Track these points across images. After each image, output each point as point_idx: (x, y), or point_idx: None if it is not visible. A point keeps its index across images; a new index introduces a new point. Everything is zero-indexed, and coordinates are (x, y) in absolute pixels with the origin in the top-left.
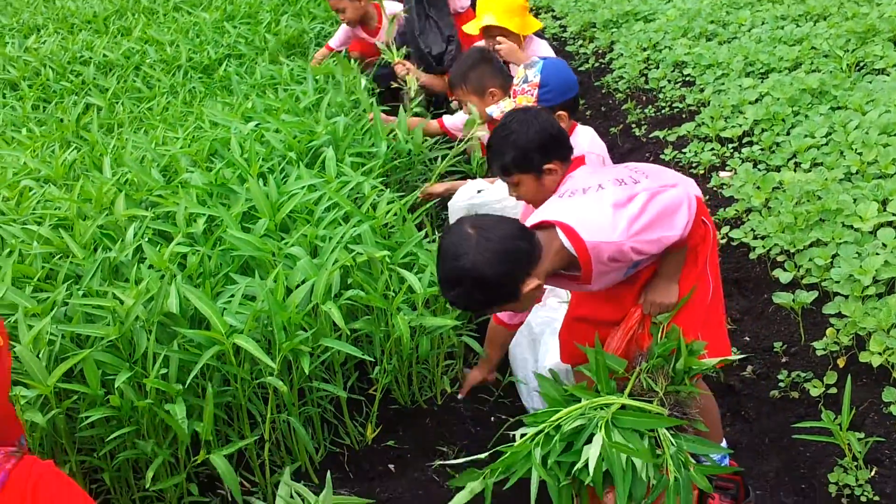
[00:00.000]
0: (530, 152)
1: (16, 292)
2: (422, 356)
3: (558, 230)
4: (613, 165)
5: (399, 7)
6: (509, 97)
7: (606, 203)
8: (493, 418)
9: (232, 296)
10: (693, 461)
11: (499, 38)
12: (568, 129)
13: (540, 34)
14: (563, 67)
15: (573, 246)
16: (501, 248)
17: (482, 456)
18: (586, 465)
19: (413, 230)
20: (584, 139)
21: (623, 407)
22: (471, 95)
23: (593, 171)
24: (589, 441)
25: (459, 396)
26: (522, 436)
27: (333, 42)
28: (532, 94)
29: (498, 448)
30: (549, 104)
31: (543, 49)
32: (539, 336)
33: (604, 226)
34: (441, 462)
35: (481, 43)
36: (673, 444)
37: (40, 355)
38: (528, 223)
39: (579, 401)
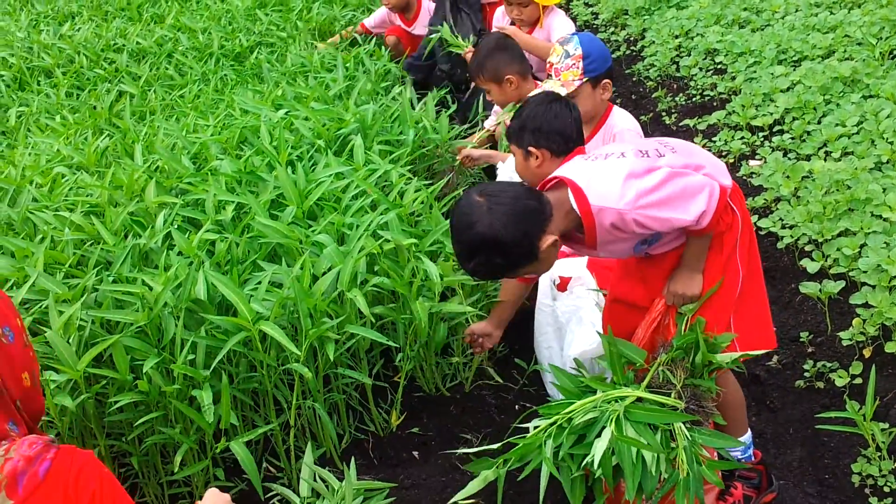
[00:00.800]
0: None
1: (47, 278)
2: (438, 343)
3: (568, 190)
4: (644, 138)
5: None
6: (551, 77)
7: (622, 171)
8: (517, 406)
9: (259, 283)
10: (707, 455)
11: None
12: (609, 98)
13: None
14: (596, 38)
15: (578, 206)
16: (512, 209)
17: (496, 446)
18: None
19: (440, 218)
20: (621, 119)
21: (639, 400)
22: (489, 83)
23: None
24: (600, 434)
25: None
26: (536, 427)
27: (369, 22)
28: (578, 67)
29: (510, 439)
30: (594, 74)
31: (561, 21)
32: (565, 325)
33: (612, 192)
34: (463, 450)
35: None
36: (687, 438)
37: (70, 340)
38: (545, 179)
39: (595, 393)
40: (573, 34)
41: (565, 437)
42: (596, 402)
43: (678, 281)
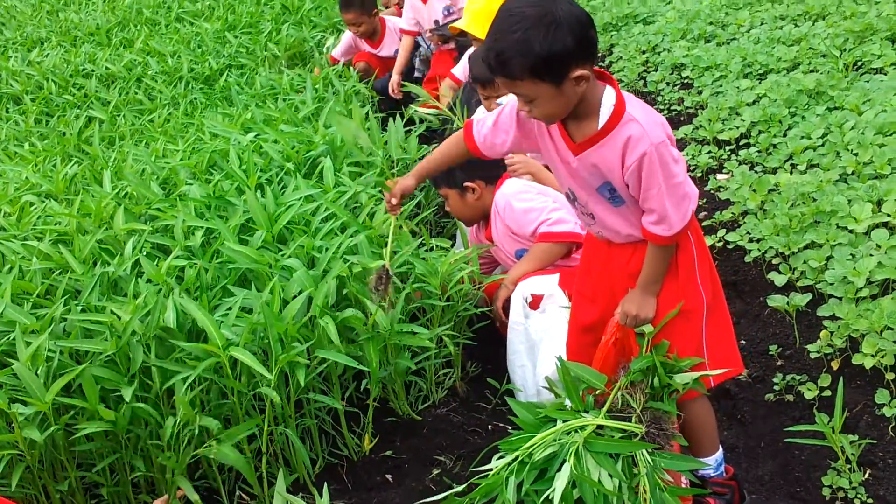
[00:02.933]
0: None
1: (15, 309)
2: (401, 372)
3: (609, 87)
4: None
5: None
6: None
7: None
8: (490, 426)
9: (229, 308)
10: (671, 479)
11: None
12: (489, 197)
13: None
14: None
15: (616, 100)
16: (580, 16)
17: (460, 489)
18: None
19: (409, 239)
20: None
21: (600, 427)
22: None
23: None
24: (561, 468)
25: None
26: (497, 465)
27: (337, 52)
28: None
29: (472, 480)
30: None
31: None
32: (537, 343)
33: (650, 121)
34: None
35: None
36: (649, 464)
37: (38, 372)
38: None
39: (556, 422)
40: None
41: (526, 473)
42: (556, 434)
43: (631, 301)
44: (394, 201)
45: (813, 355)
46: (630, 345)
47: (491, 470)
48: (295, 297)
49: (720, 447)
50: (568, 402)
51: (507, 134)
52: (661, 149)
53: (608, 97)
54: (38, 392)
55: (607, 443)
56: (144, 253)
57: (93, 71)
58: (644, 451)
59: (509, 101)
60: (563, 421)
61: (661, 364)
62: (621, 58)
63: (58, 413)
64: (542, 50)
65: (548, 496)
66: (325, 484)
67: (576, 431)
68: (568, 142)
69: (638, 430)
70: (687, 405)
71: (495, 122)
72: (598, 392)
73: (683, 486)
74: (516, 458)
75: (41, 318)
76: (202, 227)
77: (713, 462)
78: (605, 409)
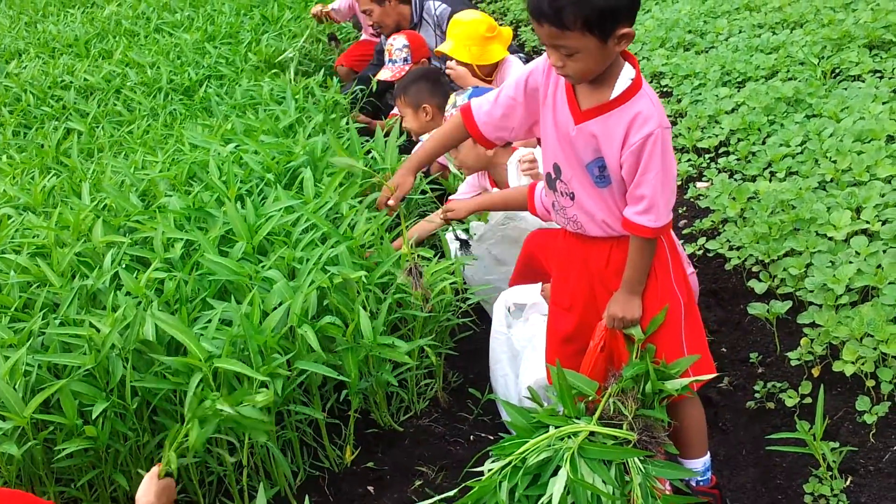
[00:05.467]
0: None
1: None
2: (382, 384)
3: (629, 64)
4: None
5: None
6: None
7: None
8: (472, 437)
9: (209, 321)
10: (661, 487)
11: (449, 64)
12: (505, 153)
13: (514, 49)
14: None
15: (635, 76)
16: None
17: (451, 493)
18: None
19: (390, 249)
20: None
21: (592, 434)
22: (406, 108)
23: None
24: (555, 473)
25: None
26: (490, 469)
27: (337, 4)
28: None
29: (466, 483)
30: None
31: (517, 69)
32: (520, 352)
33: (659, 110)
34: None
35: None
36: (641, 472)
37: (17, 386)
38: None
39: (548, 428)
40: (473, 88)
41: (520, 478)
42: (549, 439)
43: (616, 303)
44: (391, 203)
45: (794, 363)
46: (619, 349)
47: (482, 475)
48: (275, 308)
49: (708, 451)
50: (560, 408)
51: (514, 109)
52: (667, 134)
53: (627, 71)
54: (17, 407)
55: (602, 449)
56: (123, 265)
57: (71, 82)
58: (636, 459)
59: (504, 84)
60: (556, 427)
61: (653, 370)
62: None
63: (36, 428)
64: (601, 1)
65: (542, 501)
66: (307, 496)
67: (569, 437)
68: (573, 108)
69: (630, 438)
70: (679, 407)
71: (496, 99)
72: (589, 399)
73: (667, 492)
74: (509, 462)
75: (19, 332)
76: (182, 239)
77: (701, 466)
78: (596, 415)
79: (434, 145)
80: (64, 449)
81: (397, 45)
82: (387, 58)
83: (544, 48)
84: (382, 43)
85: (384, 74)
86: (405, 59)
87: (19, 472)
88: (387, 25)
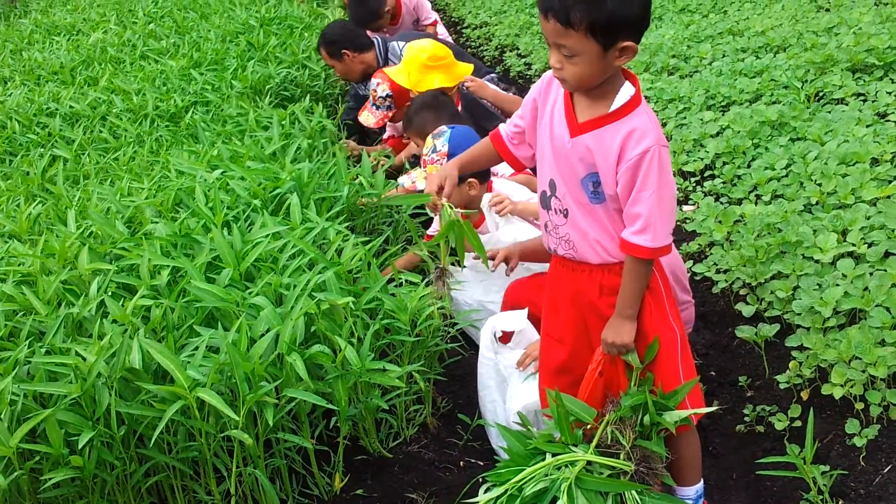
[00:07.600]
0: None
1: None
2: (371, 410)
3: (629, 83)
4: None
5: None
6: (419, 167)
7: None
8: (462, 462)
9: (196, 348)
10: None
11: (466, 77)
12: (480, 194)
13: (488, 71)
14: (471, 135)
15: (635, 91)
16: None
17: None
18: None
19: (378, 275)
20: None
21: (589, 463)
22: (416, 137)
23: None
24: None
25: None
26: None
27: None
28: (441, 164)
29: None
30: None
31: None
32: (507, 378)
33: (658, 129)
34: None
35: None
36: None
37: (2, 416)
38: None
39: (544, 455)
40: (450, 128)
41: None
42: (546, 468)
43: (609, 328)
44: (447, 190)
45: (782, 386)
46: (617, 375)
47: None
48: (262, 335)
49: (701, 479)
50: (557, 434)
51: (523, 128)
52: (665, 153)
53: (627, 88)
54: (3, 436)
55: (599, 481)
56: (109, 293)
57: (57, 109)
58: (633, 492)
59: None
60: (553, 454)
61: (652, 402)
62: None
63: (22, 458)
64: (612, 8)
65: None
66: None
67: (566, 466)
68: (570, 120)
69: (627, 468)
70: (677, 438)
71: (518, 115)
72: (587, 426)
73: None
74: (505, 491)
75: (5, 360)
76: (168, 266)
77: (693, 493)
78: (594, 443)
79: (472, 157)
80: (50, 479)
81: (381, 92)
82: (370, 102)
83: (539, 62)
84: (356, 87)
85: (368, 120)
86: (388, 107)
87: (5, 502)
88: (354, 75)
